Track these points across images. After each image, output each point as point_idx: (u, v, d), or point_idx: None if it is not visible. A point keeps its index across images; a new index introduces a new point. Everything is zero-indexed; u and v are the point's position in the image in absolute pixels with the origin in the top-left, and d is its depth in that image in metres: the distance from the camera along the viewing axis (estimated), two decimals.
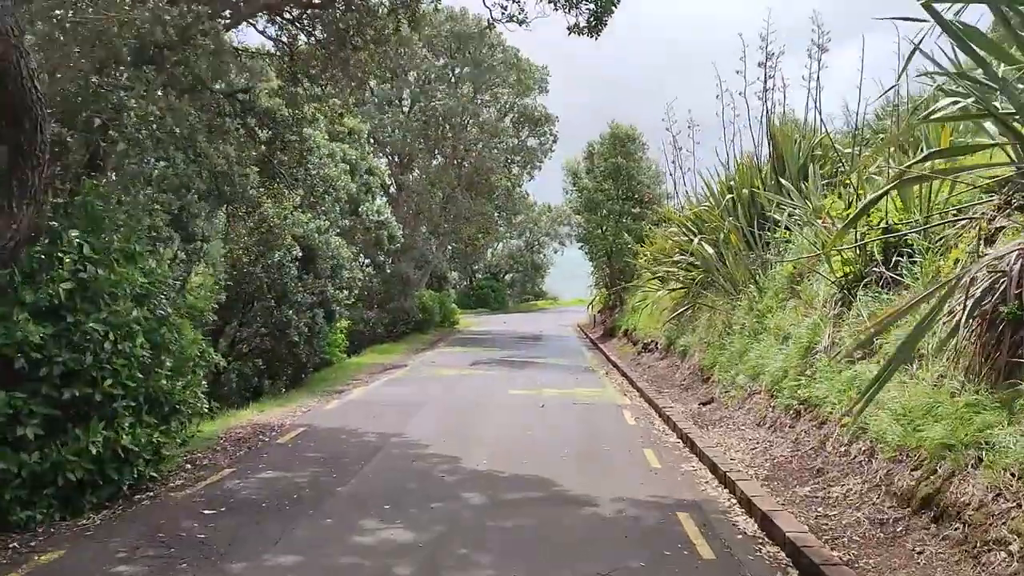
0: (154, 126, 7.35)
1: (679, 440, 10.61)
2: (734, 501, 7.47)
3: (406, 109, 34.06)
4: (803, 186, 13.86)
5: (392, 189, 36.38)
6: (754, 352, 11.84)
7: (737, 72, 15.30)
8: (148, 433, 7.49)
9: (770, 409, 10.24)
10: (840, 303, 9.87)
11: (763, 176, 15.15)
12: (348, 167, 19.81)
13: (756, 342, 12.12)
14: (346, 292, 19.16)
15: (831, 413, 8.44)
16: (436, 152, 35.93)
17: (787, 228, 13.40)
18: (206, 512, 7.06)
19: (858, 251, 9.81)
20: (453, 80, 34.25)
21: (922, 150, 11.12)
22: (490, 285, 65.11)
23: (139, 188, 7.88)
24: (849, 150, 14.80)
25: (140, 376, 7.32)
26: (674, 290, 18.54)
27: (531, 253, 69.39)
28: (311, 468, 8.96)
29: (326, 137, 18.19)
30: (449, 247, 46.11)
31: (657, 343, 19.68)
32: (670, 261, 19.09)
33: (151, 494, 7.75)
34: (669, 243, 18.90)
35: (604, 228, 29.90)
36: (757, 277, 13.28)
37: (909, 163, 7.38)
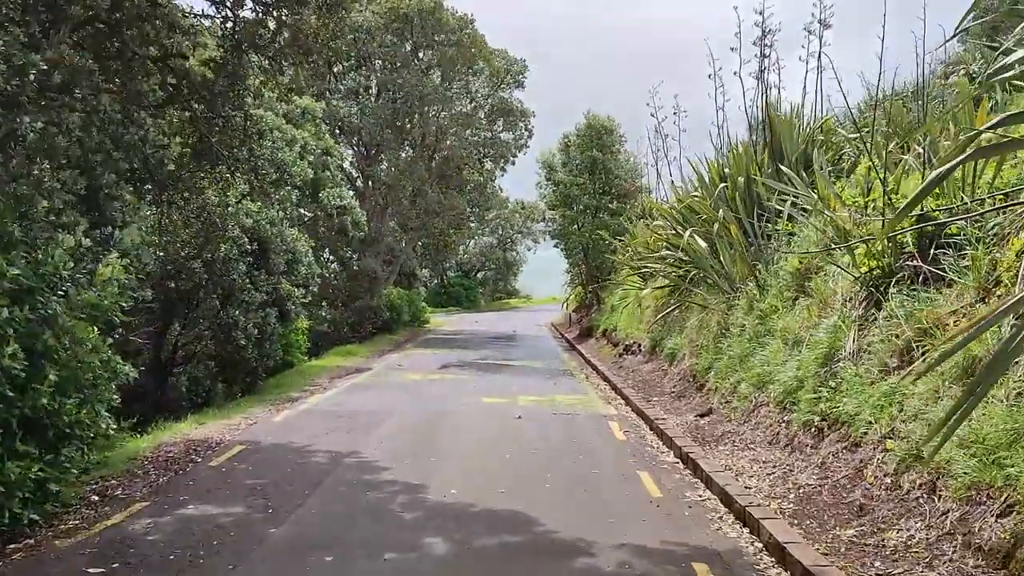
0: (31, 77, 5.79)
1: (678, 460, 9.21)
2: (760, 546, 6.06)
3: (373, 97, 32.35)
4: (803, 174, 12.60)
5: (359, 182, 34.71)
6: (758, 358, 10.50)
7: (732, 49, 13.96)
8: (24, 466, 5.90)
9: (783, 424, 8.88)
10: (866, 302, 8.52)
11: (759, 163, 13.84)
12: (302, 148, 18.15)
13: (760, 346, 10.77)
14: (303, 290, 17.53)
15: (866, 434, 7.09)
16: (405, 143, 34.29)
17: (790, 219, 12.11)
18: (92, 571, 5.50)
19: (886, 242, 8.49)
20: (420, 66, 32.61)
21: (944, 132, 9.92)
22: (462, 283, 63.55)
23: (21, 162, 6.30)
24: (853, 135, 13.59)
25: (11, 394, 5.74)
26: (659, 288, 17.18)
27: (503, 250, 67.92)
28: (244, 501, 7.41)
29: (281, 119, 16.58)
30: (419, 243, 44.49)
31: (640, 344, 18.32)
32: (654, 256, 17.75)
33: (31, 542, 6.17)
34: (653, 237, 17.55)
35: (580, 224, 28.53)
36: (758, 273, 11.94)
37: (983, 128, 6.01)
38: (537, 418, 12.04)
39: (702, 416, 10.99)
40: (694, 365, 13.37)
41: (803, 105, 14.71)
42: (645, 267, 18.54)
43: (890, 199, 8.77)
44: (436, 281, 63.89)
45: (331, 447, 9.79)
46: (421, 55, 32.82)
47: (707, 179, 14.96)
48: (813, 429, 8.11)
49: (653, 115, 17.82)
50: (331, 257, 33.27)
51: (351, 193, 26.79)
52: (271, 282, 15.68)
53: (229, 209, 12.59)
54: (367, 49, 30.93)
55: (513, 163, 36.32)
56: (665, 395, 13.39)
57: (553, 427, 11.30)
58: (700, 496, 7.64)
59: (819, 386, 8.39)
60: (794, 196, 12.02)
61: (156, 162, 9.25)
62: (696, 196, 14.75)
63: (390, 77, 31.17)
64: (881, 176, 9.14)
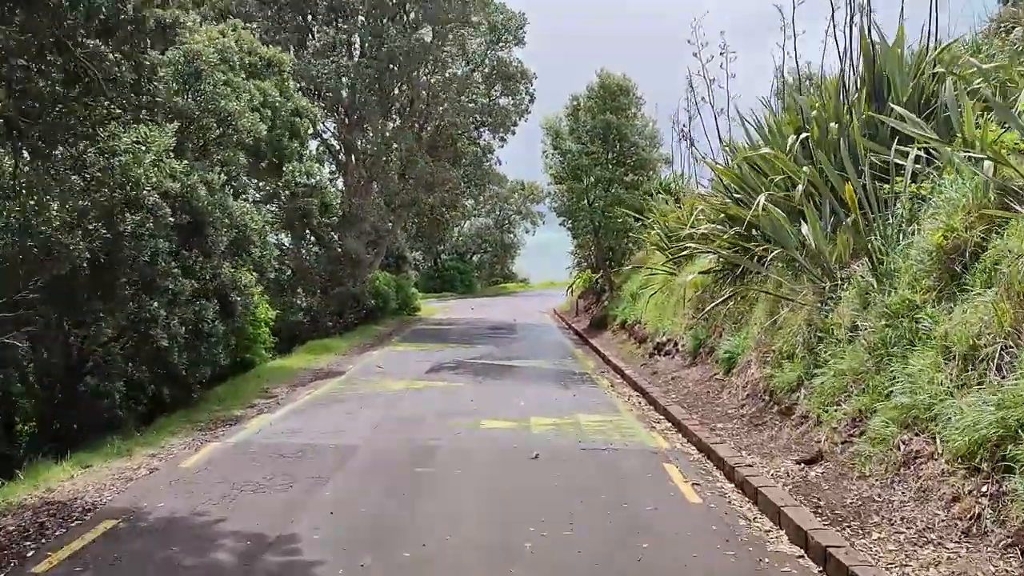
0: None
1: (800, 548, 5.72)
2: None
3: (356, 55, 28.60)
4: (916, 118, 9.10)
5: (341, 156, 31.05)
6: (898, 379, 7.00)
7: None
8: None
9: (984, 500, 5.39)
10: None
11: (852, 105, 10.32)
12: (262, 100, 14.53)
13: (893, 360, 7.28)
14: (254, 275, 13.97)
15: None
16: (392, 110, 30.59)
17: (913, 177, 8.61)
18: None
19: None
20: (409, 22, 28.83)
21: None
22: (456, 266, 59.95)
23: None
24: (990, 64, 10.07)
25: None
26: (705, 272, 13.67)
27: (501, 232, 64.26)
28: None
29: (217, 56, 12.93)
30: (412, 223, 40.79)
31: (677, 343, 14.81)
32: (696, 235, 14.22)
33: None
34: (698, 209, 13.99)
35: (591, 199, 24.94)
36: (875, 252, 8.41)
37: None
38: (561, 458, 8.54)
39: (809, 463, 7.49)
40: (770, 378, 9.86)
41: (902, 31, 11.17)
42: (682, 247, 15.01)
43: None
44: (430, 265, 60.31)
45: (251, 524, 6.26)
46: (412, 15, 28.96)
47: (776, 128, 11.39)
48: None
49: (696, 54, 14.27)
50: (312, 238, 29.74)
51: (326, 168, 22.80)
52: (210, 266, 12.11)
53: (118, 160, 8.93)
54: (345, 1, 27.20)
55: (513, 132, 32.59)
56: (731, 419, 9.89)
57: (587, 477, 7.80)
58: None
59: None
60: (923, 143, 8.55)
61: None
62: (765, 152, 11.11)
63: (376, 31, 27.44)
64: None
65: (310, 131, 20.35)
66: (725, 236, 11.73)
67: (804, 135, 10.48)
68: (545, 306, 38.75)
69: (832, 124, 9.90)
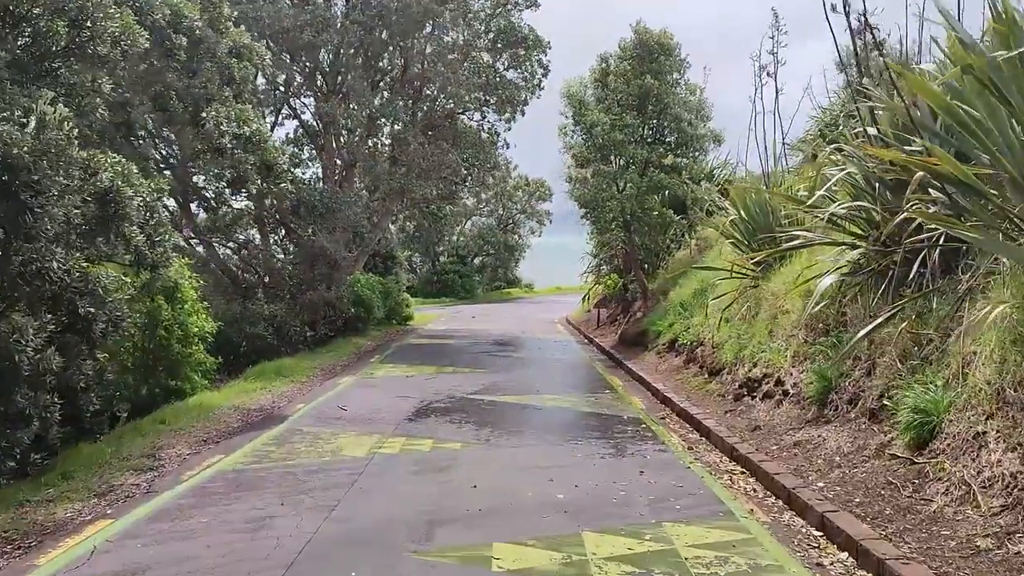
0: None
1: None
2: None
3: (339, 10, 23.75)
4: None
5: (321, 139, 26.16)
6: None
7: None
8: None
9: None
10: None
11: None
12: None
13: None
14: (149, 272, 9.09)
15: None
16: (380, 83, 25.77)
17: None
18: None
19: None
20: None
21: None
22: (456, 270, 54.94)
23: None
24: None
25: None
26: (843, 270, 8.76)
27: (504, 233, 59.33)
28: None
29: None
30: (405, 218, 35.84)
31: (783, 381, 9.88)
32: (819, 218, 9.37)
33: None
34: (836, 174, 9.02)
35: (623, 185, 20.02)
36: None
37: None
38: None
39: None
40: None
41: None
42: (789, 236, 10.13)
43: None
44: (428, 267, 55.46)
45: None
46: None
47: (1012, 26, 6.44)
48: None
49: None
50: (283, 233, 24.90)
51: (260, 117, 17.30)
52: (36, 257, 7.19)
53: None
54: None
55: (523, 112, 27.66)
56: (994, 563, 4.96)
57: None
58: None
59: None
60: None
61: None
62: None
63: None
64: None
65: (254, 78, 15.34)
66: (931, 211, 6.73)
67: None
68: (556, 315, 34.00)
69: None
